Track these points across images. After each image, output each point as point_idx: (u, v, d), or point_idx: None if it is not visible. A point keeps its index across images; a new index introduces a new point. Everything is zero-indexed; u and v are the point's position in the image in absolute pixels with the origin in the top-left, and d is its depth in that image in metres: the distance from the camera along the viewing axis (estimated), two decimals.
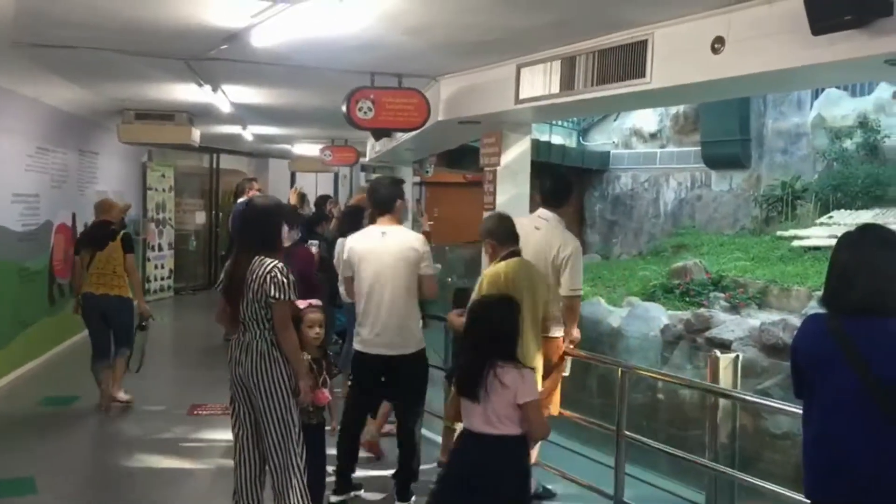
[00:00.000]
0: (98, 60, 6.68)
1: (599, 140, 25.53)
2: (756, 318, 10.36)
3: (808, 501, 3.33)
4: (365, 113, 6.95)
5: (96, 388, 7.24)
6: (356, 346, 4.94)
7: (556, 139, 24.02)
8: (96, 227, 7.48)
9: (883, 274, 3.01)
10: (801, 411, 3.33)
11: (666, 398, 8.48)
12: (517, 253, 4.66)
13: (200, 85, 7.80)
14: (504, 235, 4.70)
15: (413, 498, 5.00)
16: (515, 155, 7.38)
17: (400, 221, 5.00)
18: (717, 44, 4.46)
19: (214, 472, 5.71)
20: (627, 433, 4.80)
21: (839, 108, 18.77)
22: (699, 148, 21.79)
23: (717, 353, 5.16)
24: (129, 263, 7.20)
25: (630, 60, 5.05)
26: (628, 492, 4.82)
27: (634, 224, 24.14)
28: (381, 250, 4.80)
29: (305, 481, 4.13)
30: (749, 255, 14.92)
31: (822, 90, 19.62)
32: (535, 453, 4.60)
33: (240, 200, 9.66)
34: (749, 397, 5.03)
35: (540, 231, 5.00)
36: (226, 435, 5.33)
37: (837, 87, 19.47)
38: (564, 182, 5.32)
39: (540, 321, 4.68)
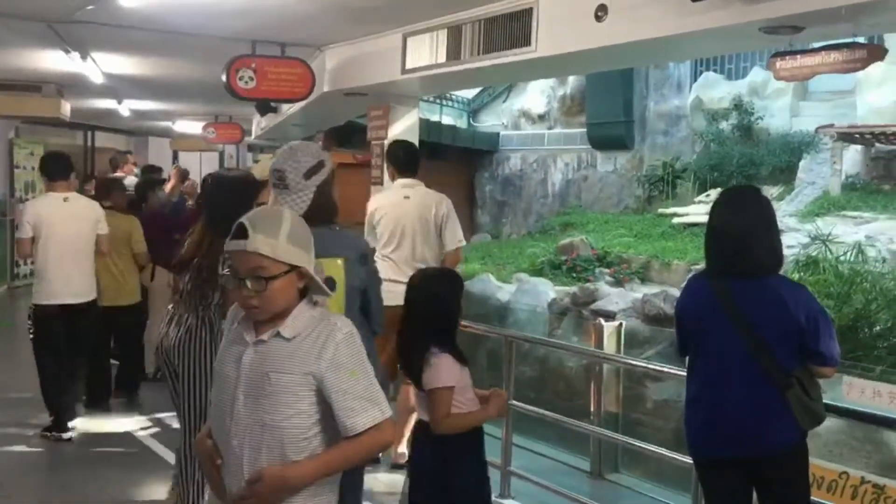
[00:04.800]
0: None
1: (489, 121, 25.70)
2: (639, 292, 10.68)
3: (689, 461, 3.42)
4: (246, 82, 6.69)
5: None
6: None
7: (447, 120, 24.03)
8: None
9: (755, 234, 3.08)
10: (682, 373, 3.41)
11: (553, 371, 8.63)
12: None
13: (68, 52, 7.32)
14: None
15: None
16: (403, 128, 7.26)
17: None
18: (601, 12, 4.48)
19: None
20: (514, 402, 4.79)
21: (716, 90, 19.48)
22: (585, 129, 22.23)
23: (602, 321, 5.25)
24: None
25: (515, 29, 5.02)
26: (515, 462, 4.83)
27: (524, 204, 24.45)
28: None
29: None
30: (632, 232, 15.36)
31: (701, 74, 20.33)
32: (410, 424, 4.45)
33: (115, 174, 9.17)
34: (632, 360, 5.11)
35: (410, 198, 5.03)
36: None
37: (714, 71, 20.23)
38: (415, 149, 5.44)
39: None
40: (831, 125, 14.83)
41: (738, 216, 3.08)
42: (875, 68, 16.26)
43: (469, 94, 25.70)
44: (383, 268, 5.00)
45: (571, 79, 23.24)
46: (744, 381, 3.02)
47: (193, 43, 6.85)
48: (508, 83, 11.17)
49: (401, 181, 5.12)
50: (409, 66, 6.06)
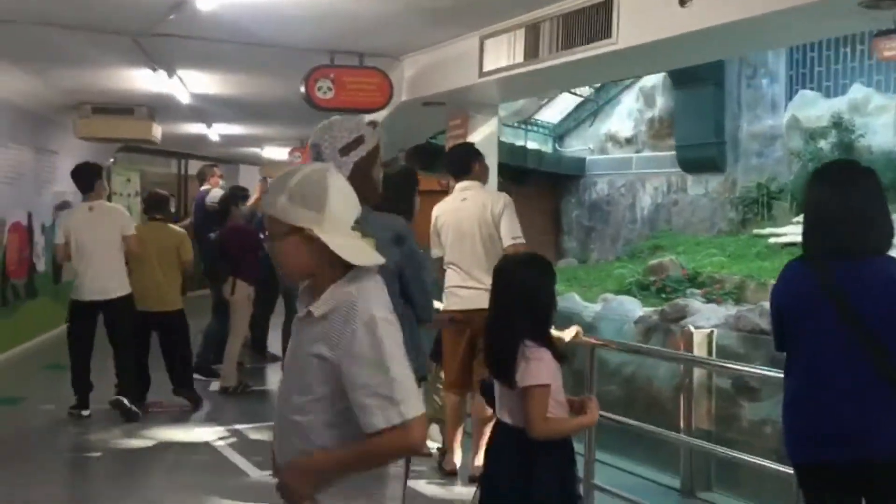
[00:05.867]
0: (40, 41, 6.40)
1: (575, 146, 25.40)
2: (733, 310, 10.19)
3: (789, 471, 3.09)
4: (325, 93, 6.70)
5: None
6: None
7: (532, 145, 23.86)
8: None
9: (859, 212, 2.78)
10: (780, 375, 3.09)
11: (641, 390, 8.25)
12: None
13: (154, 70, 7.50)
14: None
15: None
16: (482, 137, 7.12)
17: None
18: None
19: None
20: (602, 413, 4.50)
21: (814, 109, 18.74)
22: (674, 152, 21.69)
23: (692, 327, 4.94)
24: None
25: (595, 21, 4.82)
26: (599, 477, 4.53)
27: (611, 230, 23.96)
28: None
29: None
30: (725, 252, 14.79)
31: (797, 92, 19.61)
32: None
33: (202, 188, 9.34)
34: (724, 363, 4.76)
35: (468, 200, 4.87)
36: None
37: (811, 89, 19.49)
38: (463, 148, 5.34)
39: None
40: None
41: (842, 190, 2.78)
42: None
43: (554, 118, 25.51)
44: (448, 276, 4.85)
45: (659, 101, 22.79)
46: (850, 377, 2.70)
47: (273, 55, 6.90)
48: (589, 84, 10.91)
49: (458, 185, 4.98)
50: (486, 68, 5.93)
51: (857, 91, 18.19)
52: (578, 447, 4.62)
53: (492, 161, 7.24)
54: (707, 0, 4.13)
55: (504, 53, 5.73)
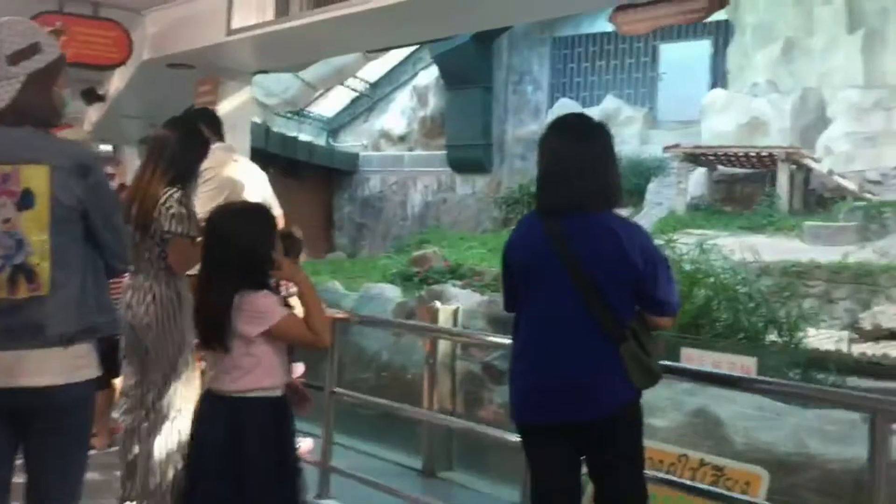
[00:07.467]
0: None
1: (349, 141, 25.28)
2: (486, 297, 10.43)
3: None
4: None
5: None
6: None
7: (305, 137, 23.41)
8: None
9: (596, 165, 2.71)
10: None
11: (396, 377, 8.16)
12: None
13: None
14: None
15: None
16: (234, 105, 6.62)
17: None
18: None
19: None
20: (338, 389, 4.23)
21: None
22: (445, 152, 22.18)
23: (437, 303, 4.82)
24: None
25: None
26: (337, 461, 4.27)
27: (382, 226, 24.09)
28: None
29: None
30: (486, 246, 15.22)
31: (557, 100, 20.72)
32: None
33: None
34: (468, 333, 4.67)
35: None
36: None
37: (571, 98, 20.68)
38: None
39: None
40: (677, 145, 15.33)
41: (580, 142, 2.70)
42: (718, 97, 17.12)
43: (329, 112, 25.21)
44: None
45: (432, 100, 23.23)
46: (575, 333, 2.61)
47: None
48: (347, 52, 10.60)
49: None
50: (235, 25, 5.49)
51: (610, 102, 19.53)
52: (315, 429, 4.36)
53: (243, 135, 6.80)
54: None
55: (254, 10, 5.33)
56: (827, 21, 16.20)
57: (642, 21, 3.85)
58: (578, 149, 2.69)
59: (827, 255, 10.69)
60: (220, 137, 4.41)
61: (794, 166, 13.99)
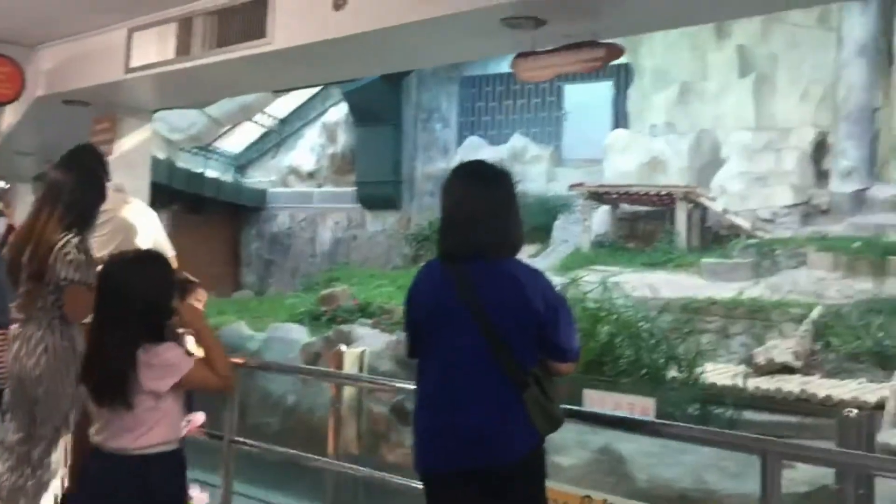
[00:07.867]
0: None
1: (257, 177, 24.94)
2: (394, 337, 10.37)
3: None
4: None
5: None
6: None
7: (211, 173, 23.00)
8: None
9: (499, 212, 2.74)
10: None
11: (301, 420, 7.99)
12: None
13: None
14: None
15: None
16: (134, 143, 6.48)
17: None
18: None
19: None
20: (238, 438, 4.12)
21: (480, 153, 20.08)
22: (355, 188, 22.14)
23: (343, 346, 4.76)
24: None
25: (250, 19, 4.55)
26: None
27: (291, 263, 23.77)
28: None
29: None
30: (395, 284, 15.17)
31: (465, 138, 20.99)
32: None
33: None
34: (373, 379, 4.63)
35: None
36: None
37: (480, 136, 20.98)
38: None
39: None
40: (582, 183, 15.70)
41: (484, 188, 2.73)
42: (620, 137, 17.67)
43: (236, 148, 24.85)
44: None
45: (342, 137, 23.17)
46: (479, 380, 2.62)
47: None
48: (248, 92, 10.48)
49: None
50: (134, 63, 5.38)
51: (517, 140, 19.89)
52: (214, 479, 4.22)
53: (143, 174, 6.63)
54: (361, 5, 4.04)
55: (154, 48, 5.25)
56: (720, 66, 16.97)
57: (543, 68, 3.94)
58: (482, 195, 2.73)
59: (723, 291, 11.08)
60: (108, 177, 4.29)
61: (691, 205, 14.49)
